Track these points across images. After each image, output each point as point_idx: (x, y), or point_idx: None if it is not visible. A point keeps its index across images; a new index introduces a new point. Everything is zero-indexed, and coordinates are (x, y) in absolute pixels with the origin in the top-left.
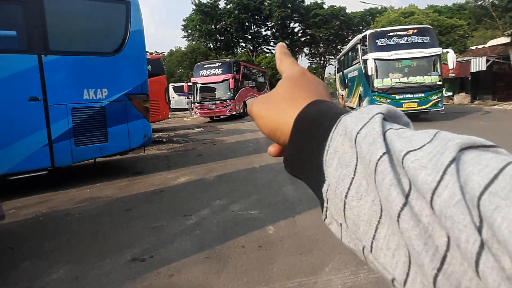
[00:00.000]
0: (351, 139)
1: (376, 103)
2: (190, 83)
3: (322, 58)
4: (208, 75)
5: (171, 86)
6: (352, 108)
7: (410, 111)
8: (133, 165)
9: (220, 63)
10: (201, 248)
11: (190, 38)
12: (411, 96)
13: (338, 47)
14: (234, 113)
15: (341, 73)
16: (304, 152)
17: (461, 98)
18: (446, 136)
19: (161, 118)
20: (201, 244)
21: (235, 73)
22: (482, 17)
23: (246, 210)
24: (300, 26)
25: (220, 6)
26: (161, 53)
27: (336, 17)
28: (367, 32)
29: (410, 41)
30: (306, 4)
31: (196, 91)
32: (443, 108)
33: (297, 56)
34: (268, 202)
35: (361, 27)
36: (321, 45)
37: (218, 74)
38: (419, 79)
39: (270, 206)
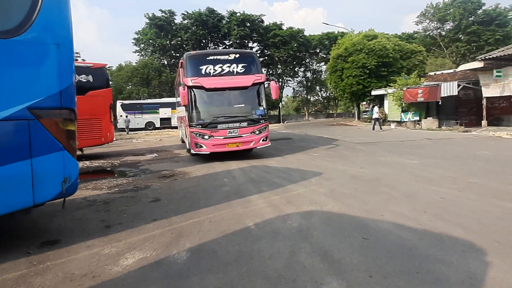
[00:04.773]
0: None
1: None
2: (184, 88)
3: (280, 80)
4: (221, 74)
5: (118, 103)
6: None
7: None
8: (45, 223)
9: (238, 55)
10: None
11: (142, 53)
12: None
13: (296, 68)
14: (269, 144)
15: None
16: None
17: (429, 123)
18: None
19: (104, 141)
20: None
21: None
22: (430, 46)
23: None
24: (258, 46)
25: (176, 21)
26: (109, 68)
27: (295, 39)
28: None
29: None
30: (265, 24)
31: (195, 103)
32: None
33: None
34: None
35: (318, 50)
36: (279, 66)
37: (239, 73)
38: None
39: None
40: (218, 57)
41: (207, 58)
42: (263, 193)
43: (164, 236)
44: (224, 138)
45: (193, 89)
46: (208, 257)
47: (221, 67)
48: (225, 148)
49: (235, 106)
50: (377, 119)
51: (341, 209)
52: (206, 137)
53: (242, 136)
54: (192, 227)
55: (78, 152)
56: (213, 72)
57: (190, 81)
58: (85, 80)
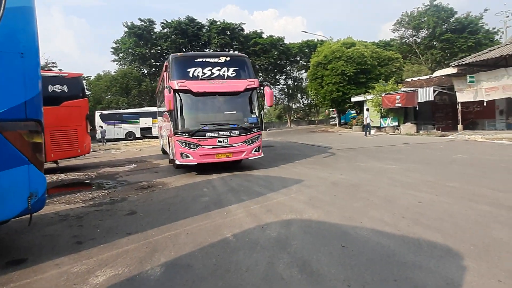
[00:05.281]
0: None
1: None
2: (170, 92)
3: (261, 88)
4: (210, 78)
5: (97, 113)
6: None
7: None
8: (13, 241)
9: (229, 58)
10: None
11: (121, 62)
12: None
13: (277, 76)
14: (261, 155)
15: None
16: None
17: (407, 128)
18: None
19: (81, 153)
20: None
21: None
22: (407, 53)
23: None
24: None
25: (155, 30)
26: (87, 77)
27: (275, 47)
28: None
29: None
30: (245, 32)
31: (182, 108)
32: None
33: None
34: None
35: (298, 58)
36: (260, 74)
37: (231, 78)
38: None
39: None
40: (208, 59)
41: (195, 60)
42: (242, 202)
43: (138, 251)
44: (213, 147)
45: (180, 93)
46: (183, 272)
47: (210, 70)
48: (214, 158)
49: (225, 113)
50: (368, 125)
51: (321, 217)
52: (193, 146)
53: (233, 146)
54: (168, 241)
55: (53, 165)
56: (202, 76)
57: (176, 84)
58: (59, 91)
